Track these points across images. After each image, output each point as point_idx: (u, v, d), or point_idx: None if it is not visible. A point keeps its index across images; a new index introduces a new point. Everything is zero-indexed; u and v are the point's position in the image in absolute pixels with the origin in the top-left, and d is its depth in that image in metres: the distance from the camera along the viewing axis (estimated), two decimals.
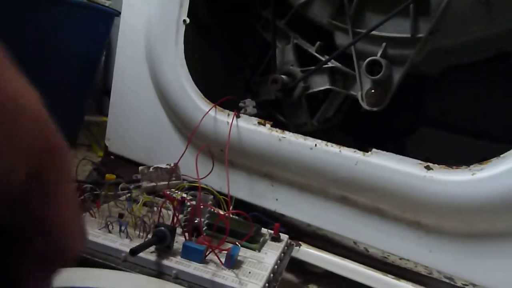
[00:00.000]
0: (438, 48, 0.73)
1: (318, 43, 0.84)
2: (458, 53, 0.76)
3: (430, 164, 0.59)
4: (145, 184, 0.69)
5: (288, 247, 0.62)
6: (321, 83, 0.83)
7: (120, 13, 1.20)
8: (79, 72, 1.23)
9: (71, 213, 0.20)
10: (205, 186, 0.59)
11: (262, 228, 0.62)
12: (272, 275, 0.52)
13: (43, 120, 0.18)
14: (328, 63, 0.80)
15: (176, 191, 0.63)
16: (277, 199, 0.73)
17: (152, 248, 0.50)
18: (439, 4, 0.68)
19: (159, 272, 0.49)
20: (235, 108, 0.76)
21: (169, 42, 0.78)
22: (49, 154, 0.18)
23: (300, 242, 0.67)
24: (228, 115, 0.73)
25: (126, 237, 0.53)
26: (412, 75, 0.76)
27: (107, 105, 1.00)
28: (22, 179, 0.17)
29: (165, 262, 0.49)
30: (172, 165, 0.71)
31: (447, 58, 0.79)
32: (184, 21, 0.78)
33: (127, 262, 0.49)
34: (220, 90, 0.88)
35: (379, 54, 0.73)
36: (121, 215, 0.57)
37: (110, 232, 0.54)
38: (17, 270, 0.19)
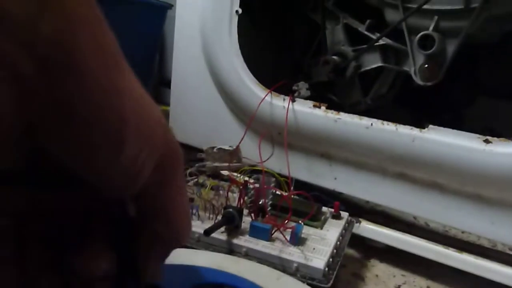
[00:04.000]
0: (493, 17, 0.71)
1: (368, 21, 0.84)
2: None
3: (489, 138, 0.59)
4: (208, 164, 0.74)
5: (349, 224, 0.64)
6: (373, 61, 0.83)
7: (172, 5, 1.24)
8: (135, 67, 1.28)
9: (184, 203, 0.24)
10: (267, 169, 0.62)
11: (323, 207, 0.64)
12: (335, 250, 0.55)
13: (165, 125, 0.21)
14: (380, 40, 0.80)
15: (239, 175, 0.67)
16: (335, 178, 0.74)
17: (222, 229, 0.55)
18: None
19: (230, 250, 0.53)
20: (290, 92, 0.78)
21: (223, 33, 0.81)
22: (169, 155, 0.22)
23: (360, 218, 0.69)
24: (284, 99, 0.76)
25: (198, 219, 0.57)
26: (467, 45, 0.75)
27: (164, 95, 1.05)
28: (150, 173, 0.21)
29: (235, 241, 0.53)
30: (234, 147, 0.76)
31: (504, 26, 0.76)
32: (237, 11, 0.81)
33: (200, 242, 0.54)
34: (272, 74, 0.90)
35: (431, 28, 0.73)
36: (191, 199, 0.61)
37: None
38: (138, 252, 0.23)
